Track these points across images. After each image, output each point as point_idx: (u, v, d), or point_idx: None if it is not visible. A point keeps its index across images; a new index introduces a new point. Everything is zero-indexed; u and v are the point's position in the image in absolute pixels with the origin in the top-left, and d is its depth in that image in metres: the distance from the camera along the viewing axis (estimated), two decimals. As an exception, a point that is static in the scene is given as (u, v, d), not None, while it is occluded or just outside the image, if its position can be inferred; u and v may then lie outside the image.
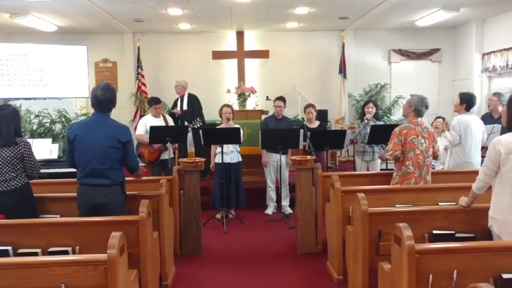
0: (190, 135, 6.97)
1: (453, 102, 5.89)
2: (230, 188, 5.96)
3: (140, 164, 4.00)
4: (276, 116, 6.25)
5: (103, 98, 3.51)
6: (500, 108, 5.90)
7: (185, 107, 7.26)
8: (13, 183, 3.55)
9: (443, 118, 6.21)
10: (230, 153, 5.95)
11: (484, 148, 5.61)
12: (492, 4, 7.75)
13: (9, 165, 3.54)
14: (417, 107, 4.24)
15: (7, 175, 3.53)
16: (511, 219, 2.82)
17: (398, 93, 9.87)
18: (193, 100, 7.33)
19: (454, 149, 5.19)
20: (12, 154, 3.54)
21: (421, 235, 3.18)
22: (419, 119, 4.27)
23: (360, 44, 10.20)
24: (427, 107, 4.30)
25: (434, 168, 5.74)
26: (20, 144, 3.60)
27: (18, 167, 3.58)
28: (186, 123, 7.03)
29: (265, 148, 6.05)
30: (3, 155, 3.53)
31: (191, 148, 7.34)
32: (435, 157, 4.41)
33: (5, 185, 3.53)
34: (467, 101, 5.14)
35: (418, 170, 4.17)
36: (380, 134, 5.47)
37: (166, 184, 4.07)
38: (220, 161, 5.83)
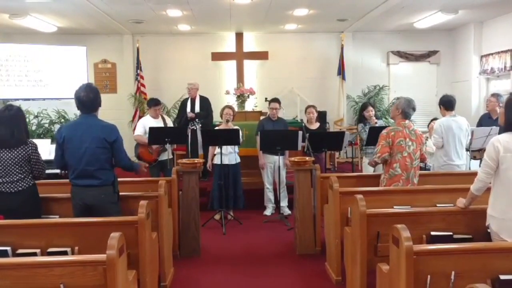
0: (200, 137, 6.89)
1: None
2: (229, 189, 5.96)
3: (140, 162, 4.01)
4: (271, 118, 6.26)
5: (87, 99, 3.51)
6: (498, 109, 5.92)
7: (197, 109, 7.23)
8: (20, 184, 3.55)
9: None
10: (229, 154, 5.96)
11: (474, 151, 5.64)
12: (490, 6, 7.79)
13: (17, 166, 3.53)
14: (404, 109, 4.23)
15: (15, 176, 3.53)
16: (509, 218, 2.86)
17: (397, 95, 9.83)
18: (206, 103, 7.31)
19: (437, 152, 5.22)
20: (20, 155, 3.54)
21: (419, 236, 3.20)
22: (406, 121, 4.25)
23: (359, 46, 10.23)
24: (414, 109, 4.29)
25: (429, 170, 5.76)
26: (29, 145, 3.60)
27: (26, 168, 3.58)
28: (189, 125, 7.01)
29: (263, 149, 6.06)
30: (12, 156, 3.52)
31: (201, 150, 7.24)
32: (423, 159, 4.41)
33: (12, 186, 3.52)
34: (444, 103, 5.21)
35: (405, 173, 4.16)
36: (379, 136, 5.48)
37: (165, 185, 4.08)
38: (219, 162, 5.83)
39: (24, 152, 3.56)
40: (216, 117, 7.47)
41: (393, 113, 4.38)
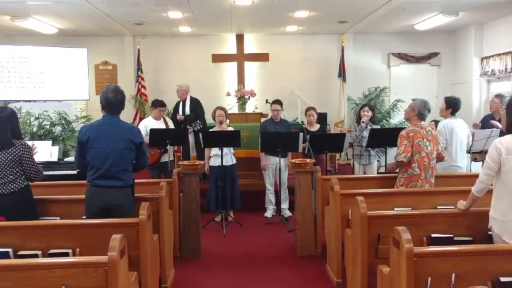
0: (192, 139, 6.90)
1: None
2: (226, 190, 5.95)
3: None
4: (274, 120, 6.27)
5: (115, 100, 3.52)
6: (502, 110, 5.90)
7: (187, 111, 7.20)
8: (11, 186, 3.54)
9: (437, 122, 6.19)
10: (225, 156, 5.93)
11: (475, 153, 5.63)
12: (491, 8, 7.80)
13: (7, 168, 3.52)
14: (420, 110, 4.27)
15: (5, 178, 3.52)
16: (511, 219, 2.86)
17: (397, 97, 9.91)
18: (196, 104, 7.25)
19: None
20: (10, 157, 3.53)
21: (420, 239, 3.20)
22: (422, 122, 4.30)
23: (360, 48, 10.24)
24: (429, 111, 4.34)
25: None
26: (18, 146, 3.57)
27: (17, 169, 3.57)
28: (187, 126, 7.01)
29: (264, 151, 6.06)
30: (2, 158, 3.51)
31: (193, 152, 7.25)
32: (441, 159, 4.43)
33: (3, 188, 3.51)
34: (453, 106, 5.19)
35: (424, 172, 4.19)
36: (379, 138, 5.48)
37: (166, 187, 4.08)
38: (219, 164, 5.82)
39: (14, 154, 3.54)
40: (209, 120, 7.45)
41: (409, 115, 4.41)
